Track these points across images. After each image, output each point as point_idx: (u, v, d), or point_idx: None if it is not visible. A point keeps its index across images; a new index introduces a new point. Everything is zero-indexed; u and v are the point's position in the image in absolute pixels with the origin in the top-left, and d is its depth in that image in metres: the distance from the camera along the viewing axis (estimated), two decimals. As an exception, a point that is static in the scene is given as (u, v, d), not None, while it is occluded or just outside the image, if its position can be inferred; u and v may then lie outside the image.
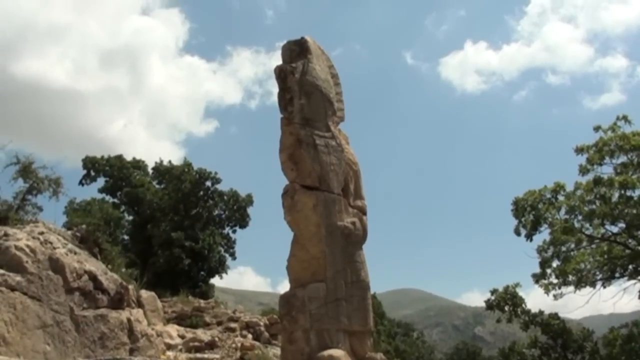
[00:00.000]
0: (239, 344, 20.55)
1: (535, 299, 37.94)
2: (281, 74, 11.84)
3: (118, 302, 15.30)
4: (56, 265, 13.43)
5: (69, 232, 16.40)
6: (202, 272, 38.88)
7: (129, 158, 41.74)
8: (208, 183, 40.19)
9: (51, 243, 14.03)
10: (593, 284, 29.59)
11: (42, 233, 14.24)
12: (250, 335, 23.47)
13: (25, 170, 16.45)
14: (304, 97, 11.63)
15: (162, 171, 41.22)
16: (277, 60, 11.95)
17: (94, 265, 15.10)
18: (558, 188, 29.63)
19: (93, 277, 14.50)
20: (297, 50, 12.18)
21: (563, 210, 29.53)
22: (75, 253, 14.76)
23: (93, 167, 40.24)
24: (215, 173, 40.23)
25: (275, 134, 11.72)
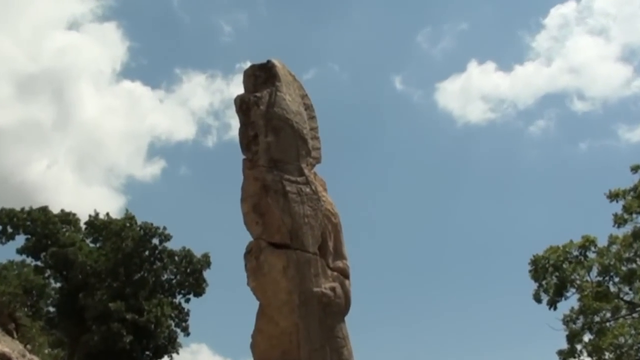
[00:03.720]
0: None
1: (564, 382, 37.74)
2: (243, 105, 11.90)
3: (39, 391, 15.08)
4: (-39, 346, 13.25)
5: (-22, 304, 16.23)
6: (147, 352, 38.43)
7: (55, 209, 41.51)
8: (155, 240, 40.00)
9: (-45, 318, 13.88)
10: (636, 363, 29.51)
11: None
12: None
13: None
14: (271, 133, 11.68)
15: (98, 226, 40.98)
16: (237, 86, 12.06)
17: (9, 346, 14.92)
18: (587, 243, 29.67)
19: (7, 361, 14.30)
20: (262, 77, 12.27)
21: (595, 271, 29.54)
22: (-15, 330, 14.59)
23: (10, 221, 39.88)
24: (164, 228, 40.08)
25: (237, 178, 11.74)
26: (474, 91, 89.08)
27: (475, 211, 78.00)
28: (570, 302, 30.30)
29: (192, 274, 40.43)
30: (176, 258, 40.27)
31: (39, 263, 39.89)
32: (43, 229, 39.94)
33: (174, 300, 40.60)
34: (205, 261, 40.64)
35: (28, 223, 40.01)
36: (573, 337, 30.16)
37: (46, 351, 18.81)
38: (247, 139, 11.75)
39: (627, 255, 28.77)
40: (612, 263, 28.97)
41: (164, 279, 40.46)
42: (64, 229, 40.94)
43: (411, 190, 78.34)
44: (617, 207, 29.05)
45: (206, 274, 40.81)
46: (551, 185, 78.90)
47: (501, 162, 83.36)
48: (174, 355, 39.71)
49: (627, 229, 28.77)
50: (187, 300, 40.94)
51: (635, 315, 30.13)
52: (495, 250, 74.41)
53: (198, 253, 40.75)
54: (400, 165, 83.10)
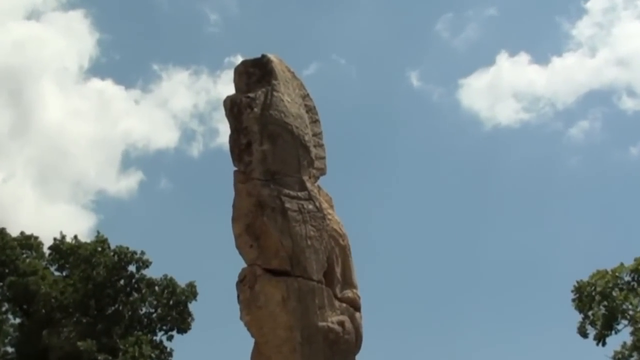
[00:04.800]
0: None
1: None
2: (233, 107, 11.90)
3: None
4: None
5: None
6: (123, 400, 38.37)
7: (13, 232, 41.55)
8: (131, 268, 40.00)
9: None
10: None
11: None
12: None
13: None
14: (267, 141, 11.68)
15: (64, 251, 40.97)
16: (225, 85, 12.10)
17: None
18: (641, 266, 29.69)
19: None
20: (256, 74, 12.28)
21: (651, 299, 29.53)
22: None
23: (-39, 247, 39.94)
24: (142, 253, 40.09)
25: (228, 193, 11.74)
26: (504, 88, 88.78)
27: (507, 228, 77.45)
28: (622, 336, 30.30)
29: (175, 307, 40.39)
30: (156, 288, 40.25)
31: (-6, 295, 39.90)
32: (-1, 255, 39.98)
33: (154, 337, 40.54)
34: (191, 292, 40.59)
35: (-19, 248, 40.05)
36: (627, 378, 30.13)
37: (4, 399, 18.81)
38: (239, 147, 11.73)
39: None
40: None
41: (142, 312, 40.46)
42: (24, 255, 40.98)
43: (431, 205, 77.78)
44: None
45: (192, 306, 40.80)
46: (597, 198, 78.45)
47: (537, 170, 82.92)
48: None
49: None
50: (170, 338, 40.87)
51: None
52: (531, 275, 73.88)
53: (182, 282, 40.74)
54: (418, 176, 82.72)
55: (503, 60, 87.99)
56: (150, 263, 40.35)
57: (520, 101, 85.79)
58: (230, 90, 12.32)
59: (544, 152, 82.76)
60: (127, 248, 39.95)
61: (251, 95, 11.90)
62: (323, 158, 12.60)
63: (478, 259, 74.97)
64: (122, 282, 39.74)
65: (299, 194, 11.70)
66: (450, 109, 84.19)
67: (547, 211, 77.92)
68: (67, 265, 40.85)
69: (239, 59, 12.52)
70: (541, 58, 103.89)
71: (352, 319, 11.76)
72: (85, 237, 42.04)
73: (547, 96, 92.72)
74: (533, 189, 79.72)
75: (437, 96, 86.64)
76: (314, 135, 12.52)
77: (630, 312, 29.82)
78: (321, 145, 12.65)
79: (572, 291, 30.32)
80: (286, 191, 11.56)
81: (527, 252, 74.70)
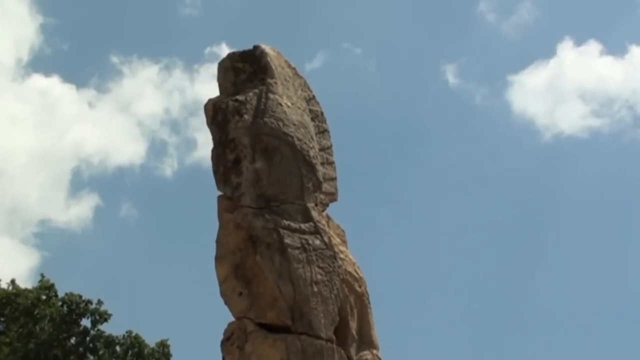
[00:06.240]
0: None
1: None
2: (217, 114, 11.93)
3: None
4: None
5: None
6: None
7: None
8: (85, 322, 39.98)
9: None
10: None
11: None
12: None
13: None
14: (261, 157, 11.71)
15: (-1, 300, 41.08)
16: (206, 83, 12.10)
17: None
18: None
19: None
20: (247, 71, 12.34)
21: None
22: None
23: None
24: (99, 302, 40.07)
25: (210, 224, 11.73)
26: (567, 87, 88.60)
27: (574, 267, 76.50)
28: None
29: (141, 372, 40.39)
30: (118, 348, 40.23)
31: None
32: None
33: (115, 412, 40.54)
34: (162, 353, 40.59)
35: None
36: None
37: None
38: (225, 165, 11.76)
39: None
40: None
41: (99, 379, 40.43)
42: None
43: (476, 239, 76.67)
44: None
45: (163, 371, 40.76)
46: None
47: (611, 191, 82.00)
48: None
49: None
50: (135, 412, 40.87)
51: None
52: (605, 326, 73.02)
53: (151, 341, 40.72)
54: (456, 201, 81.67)
55: (566, 50, 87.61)
56: (110, 316, 40.34)
57: (588, 103, 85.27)
58: (213, 91, 12.34)
59: (619, 168, 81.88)
60: (80, 296, 39.94)
61: (240, 98, 11.93)
62: (333, 179, 12.61)
63: (536, 307, 74.07)
64: (73, 340, 39.72)
65: (302, 226, 11.69)
66: (498, 114, 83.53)
67: (626, 244, 77.09)
68: (1, 319, 40.86)
69: (224, 51, 12.54)
70: (616, 48, 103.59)
71: (372, 389, 11.75)
72: (25, 282, 42.11)
73: (623, 97, 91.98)
74: (606, 215, 78.78)
75: (480, 97, 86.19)
76: (322, 149, 12.53)
77: None
78: (331, 163, 12.65)
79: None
80: (286, 222, 11.56)
81: (601, 298, 73.77)
